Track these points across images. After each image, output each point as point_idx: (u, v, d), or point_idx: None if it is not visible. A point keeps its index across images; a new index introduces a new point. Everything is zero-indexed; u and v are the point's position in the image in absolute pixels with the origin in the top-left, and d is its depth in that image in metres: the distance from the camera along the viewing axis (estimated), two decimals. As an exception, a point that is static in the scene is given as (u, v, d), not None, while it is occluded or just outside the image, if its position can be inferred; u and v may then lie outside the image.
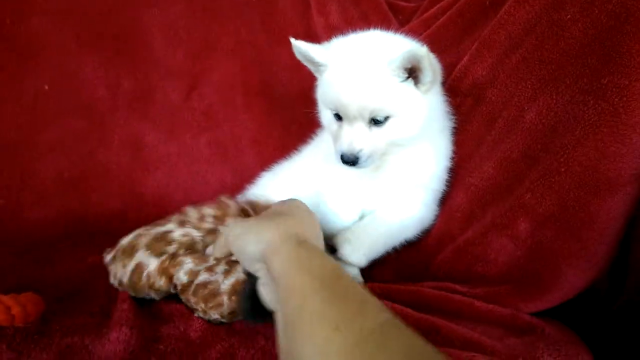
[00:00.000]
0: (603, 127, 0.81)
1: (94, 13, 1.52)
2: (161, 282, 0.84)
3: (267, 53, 1.65)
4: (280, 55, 1.65)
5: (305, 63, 1.09)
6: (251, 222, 0.74)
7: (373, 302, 0.55)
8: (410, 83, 0.99)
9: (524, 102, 1.00)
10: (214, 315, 0.81)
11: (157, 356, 0.73)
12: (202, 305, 0.81)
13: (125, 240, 0.90)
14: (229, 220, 0.88)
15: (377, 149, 1.02)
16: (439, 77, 1.06)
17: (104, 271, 1.07)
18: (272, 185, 1.33)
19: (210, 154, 1.58)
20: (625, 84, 0.78)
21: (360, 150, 1.00)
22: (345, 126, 1.02)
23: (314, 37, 1.66)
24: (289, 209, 0.77)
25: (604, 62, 0.83)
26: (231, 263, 0.83)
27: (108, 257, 0.91)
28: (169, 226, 0.89)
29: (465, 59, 1.21)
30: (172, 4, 1.59)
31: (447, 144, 1.17)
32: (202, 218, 0.91)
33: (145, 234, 0.89)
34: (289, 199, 0.83)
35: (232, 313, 0.81)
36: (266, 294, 0.68)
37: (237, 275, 0.81)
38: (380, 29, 1.64)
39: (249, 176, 1.46)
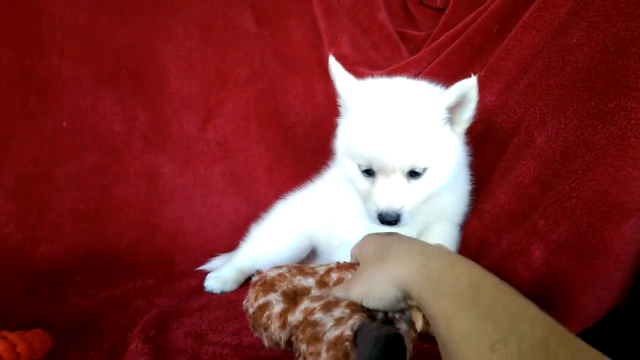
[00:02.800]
0: (612, 151, 0.80)
1: (111, 51, 1.57)
2: (275, 326, 0.74)
3: (279, 83, 1.68)
4: (293, 85, 1.68)
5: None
6: (365, 273, 0.70)
7: (525, 313, 0.51)
8: (447, 126, 0.95)
9: (533, 128, 1.00)
10: None
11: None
12: (304, 347, 0.69)
13: (272, 273, 0.83)
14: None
15: (417, 204, 0.93)
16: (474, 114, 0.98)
17: (116, 305, 1.09)
18: (287, 215, 1.33)
19: (224, 184, 1.61)
20: (633, 107, 0.78)
21: (402, 207, 0.90)
22: (381, 180, 0.92)
23: (326, 65, 1.69)
24: (394, 248, 0.69)
25: (611, 85, 0.83)
26: (353, 307, 0.71)
27: (255, 278, 0.84)
28: (310, 283, 0.82)
29: (474, 85, 1.20)
30: (186, 38, 1.64)
31: (466, 179, 1.12)
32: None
33: (288, 278, 0.81)
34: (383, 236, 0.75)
35: None
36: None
37: (349, 325, 0.66)
38: (391, 58, 1.67)
39: (264, 205, 1.46)
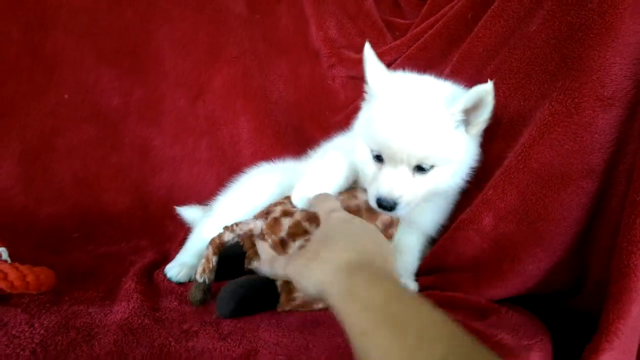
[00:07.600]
0: (557, 127, 0.89)
1: (112, 30, 1.66)
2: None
3: (266, 63, 1.77)
4: (279, 66, 1.78)
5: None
6: (303, 260, 0.72)
7: (430, 331, 0.52)
8: (462, 128, 0.97)
9: (497, 110, 1.06)
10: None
11: (151, 319, 0.82)
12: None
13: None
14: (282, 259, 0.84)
15: (416, 197, 0.97)
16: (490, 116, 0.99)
17: (112, 259, 1.19)
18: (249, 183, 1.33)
19: (210, 156, 1.70)
20: (575, 86, 0.87)
21: (400, 197, 0.94)
22: (388, 169, 0.97)
23: (312, 49, 1.78)
24: (344, 228, 0.77)
25: (559, 67, 0.92)
26: None
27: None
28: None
29: (448, 69, 1.29)
30: (181, 20, 1.72)
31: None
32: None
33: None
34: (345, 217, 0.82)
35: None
36: None
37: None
38: (377, 43, 1.76)
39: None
